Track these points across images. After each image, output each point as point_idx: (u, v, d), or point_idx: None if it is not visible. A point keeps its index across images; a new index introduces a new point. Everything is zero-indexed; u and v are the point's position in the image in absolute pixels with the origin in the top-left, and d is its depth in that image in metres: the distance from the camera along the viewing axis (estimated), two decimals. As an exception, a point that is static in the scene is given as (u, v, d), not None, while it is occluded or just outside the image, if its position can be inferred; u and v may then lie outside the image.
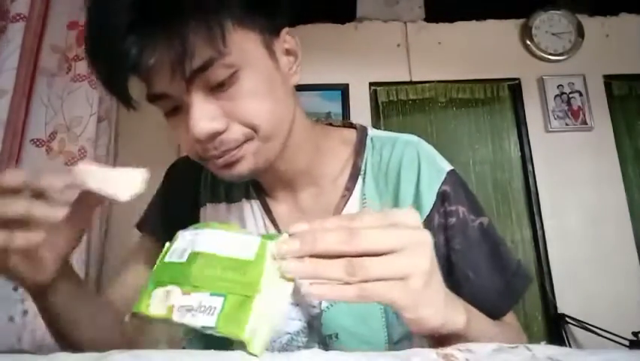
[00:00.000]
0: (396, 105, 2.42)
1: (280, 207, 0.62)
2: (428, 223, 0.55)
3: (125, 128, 2.02)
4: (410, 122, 2.42)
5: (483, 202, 0.58)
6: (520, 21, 2.45)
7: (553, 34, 2.41)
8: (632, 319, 1.94)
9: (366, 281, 0.32)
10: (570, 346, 2.01)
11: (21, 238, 0.38)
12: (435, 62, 2.39)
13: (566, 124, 2.32)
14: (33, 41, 1.06)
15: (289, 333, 0.57)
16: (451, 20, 2.47)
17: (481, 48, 2.41)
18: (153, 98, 0.48)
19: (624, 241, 2.20)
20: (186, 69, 0.42)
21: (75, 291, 0.51)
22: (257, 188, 0.64)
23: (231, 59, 0.44)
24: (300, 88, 0.56)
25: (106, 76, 0.45)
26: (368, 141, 0.61)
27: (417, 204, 0.56)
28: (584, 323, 1.95)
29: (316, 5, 2.31)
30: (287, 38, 0.53)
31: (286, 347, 0.57)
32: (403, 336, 0.56)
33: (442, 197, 0.56)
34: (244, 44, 0.46)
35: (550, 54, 2.39)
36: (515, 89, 2.41)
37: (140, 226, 0.69)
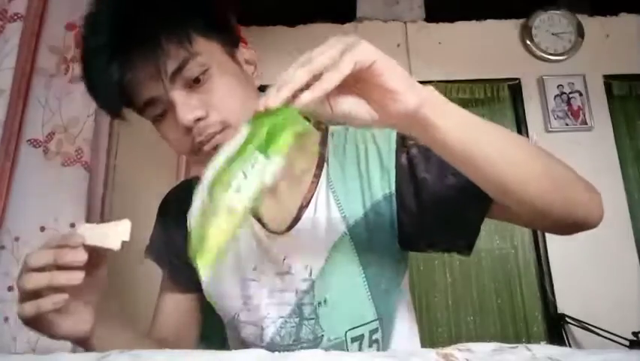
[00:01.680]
0: (395, 105, 2.41)
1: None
2: (397, 164, 0.62)
3: (122, 129, 2.02)
4: (410, 122, 2.41)
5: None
6: (520, 21, 2.45)
7: (553, 34, 2.40)
8: (632, 319, 1.93)
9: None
10: (570, 346, 2.00)
11: (47, 303, 0.48)
12: (435, 62, 2.39)
13: (566, 124, 2.32)
14: (30, 41, 1.05)
15: (282, 317, 0.66)
16: (451, 20, 2.46)
17: (481, 48, 2.41)
18: (144, 106, 0.57)
19: (624, 241, 2.19)
20: (168, 70, 0.54)
21: (112, 331, 0.60)
22: None
23: (202, 59, 0.55)
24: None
25: (103, 98, 0.58)
26: (329, 133, 0.70)
27: (379, 152, 0.63)
28: (584, 323, 1.95)
29: (316, 5, 2.31)
30: (244, 50, 0.65)
31: (280, 330, 0.66)
32: (384, 286, 0.65)
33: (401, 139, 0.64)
34: (210, 49, 0.57)
35: (551, 54, 2.39)
36: (515, 89, 2.40)
37: (146, 253, 0.79)
